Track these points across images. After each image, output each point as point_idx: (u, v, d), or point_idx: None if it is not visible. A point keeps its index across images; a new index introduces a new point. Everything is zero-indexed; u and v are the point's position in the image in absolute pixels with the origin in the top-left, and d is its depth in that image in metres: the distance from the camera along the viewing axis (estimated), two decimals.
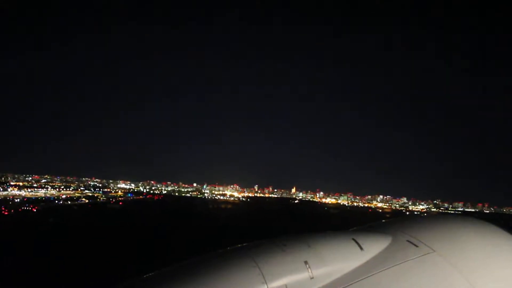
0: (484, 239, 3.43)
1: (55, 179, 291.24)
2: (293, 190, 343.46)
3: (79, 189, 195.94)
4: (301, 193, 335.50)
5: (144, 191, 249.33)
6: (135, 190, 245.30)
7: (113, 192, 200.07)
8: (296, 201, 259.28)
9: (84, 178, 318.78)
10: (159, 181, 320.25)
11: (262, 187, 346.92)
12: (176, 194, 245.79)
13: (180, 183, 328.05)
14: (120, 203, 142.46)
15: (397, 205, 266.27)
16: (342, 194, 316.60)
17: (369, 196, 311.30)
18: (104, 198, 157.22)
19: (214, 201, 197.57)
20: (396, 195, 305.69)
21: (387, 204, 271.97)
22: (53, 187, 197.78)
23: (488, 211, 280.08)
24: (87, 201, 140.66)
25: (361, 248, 3.18)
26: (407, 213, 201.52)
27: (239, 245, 3.16)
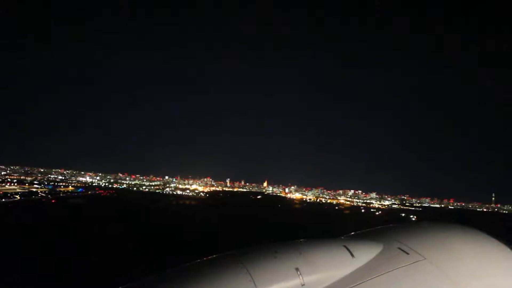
0: (475, 247, 3.46)
1: (20, 170, 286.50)
2: (265, 184, 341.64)
3: (27, 183, 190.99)
4: (271, 187, 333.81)
5: (103, 185, 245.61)
6: (92, 184, 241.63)
7: (62, 187, 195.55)
8: (258, 196, 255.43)
9: (55, 169, 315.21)
10: (133, 174, 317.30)
11: (234, 181, 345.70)
12: (134, 188, 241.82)
13: (151, 176, 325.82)
14: (53, 200, 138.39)
15: (361, 201, 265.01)
16: (313, 189, 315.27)
17: (340, 191, 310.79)
18: (43, 195, 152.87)
19: (166, 197, 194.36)
20: (370, 190, 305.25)
21: (350, 200, 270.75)
22: (3, 181, 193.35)
23: (452, 207, 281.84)
24: (18, 198, 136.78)
25: (352, 255, 3.20)
26: (362, 210, 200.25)
27: (230, 252, 3.17)
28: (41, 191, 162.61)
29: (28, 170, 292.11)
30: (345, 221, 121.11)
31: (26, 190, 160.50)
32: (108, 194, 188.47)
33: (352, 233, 4.09)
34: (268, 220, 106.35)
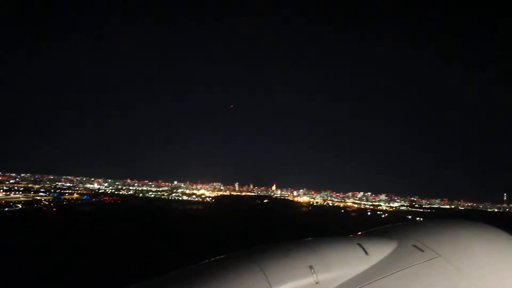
0: (491, 244, 3.45)
1: (30, 178, 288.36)
2: (274, 187, 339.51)
3: (33, 192, 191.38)
4: (279, 190, 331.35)
5: (109, 191, 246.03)
6: (99, 191, 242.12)
7: (67, 194, 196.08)
8: (265, 200, 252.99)
9: (65, 176, 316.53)
10: (142, 180, 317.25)
11: (243, 185, 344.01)
12: (140, 194, 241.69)
13: (160, 182, 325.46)
14: (54, 209, 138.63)
15: (368, 204, 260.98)
16: (322, 191, 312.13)
17: (350, 193, 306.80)
18: (46, 203, 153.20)
19: (168, 203, 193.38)
20: (380, 192, 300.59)
21: (358, 203, 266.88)
22: (9, 189, 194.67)
23: (463, 208, 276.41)
24: (20, 206, 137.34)
25: (367, 253, 3.22)
26: (368, 213, 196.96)
27: (243, 250, 3.21)
28: (45, 199, 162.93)
29: (37, 178, 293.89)
30: (345, 225, 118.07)
31: (30, 199, 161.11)
32: (112, 201, 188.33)
33: (366, 230, 4.13)
34: (262, 224, 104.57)
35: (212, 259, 3.13)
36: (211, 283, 2.66)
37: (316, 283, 2.81)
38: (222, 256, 3.16)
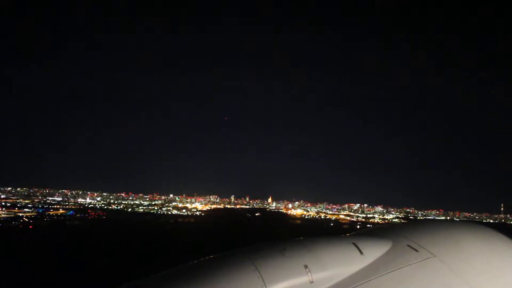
0: (485, 244, 3.49)
1: (24, 193, 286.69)
2: (269, 199, 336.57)
3: (17, 207, 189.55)
4: (275, 202, 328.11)
5: (99, 206, 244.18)
6: (89, 206, 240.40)
7: (52, 210, 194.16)
8: (257, 214, 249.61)
9: (61, 190, 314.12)
10: (137, 193, 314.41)
11: (239, 197, 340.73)
12: (129, 209, 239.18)
13: (155, 195, 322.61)
14: (30, 226, 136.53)
15: (361, 216, 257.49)
16: (318, 203, 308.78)
17: (346, 205, 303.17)
18: (26, 220, 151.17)
19: (153, 219, 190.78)
20: (376, 203, 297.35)
21: (350, 215, 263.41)
22: None
23: (458, 219, 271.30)
24: None
25: (361, 253, 3.23)
26: (358, 227, 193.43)
27: (238, 249, 3.24)
28: (26, 216, 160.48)
29: (31, 192, 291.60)
30: None
31: (12, 215, 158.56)
32: (97, 216, 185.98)
33: (361, 230, 4.20)
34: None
35: (207, 257, 3.13)
36: (206, 281, 2.66)
37: (311, 282, 2.80)
38: (217, 254, 3.17)
